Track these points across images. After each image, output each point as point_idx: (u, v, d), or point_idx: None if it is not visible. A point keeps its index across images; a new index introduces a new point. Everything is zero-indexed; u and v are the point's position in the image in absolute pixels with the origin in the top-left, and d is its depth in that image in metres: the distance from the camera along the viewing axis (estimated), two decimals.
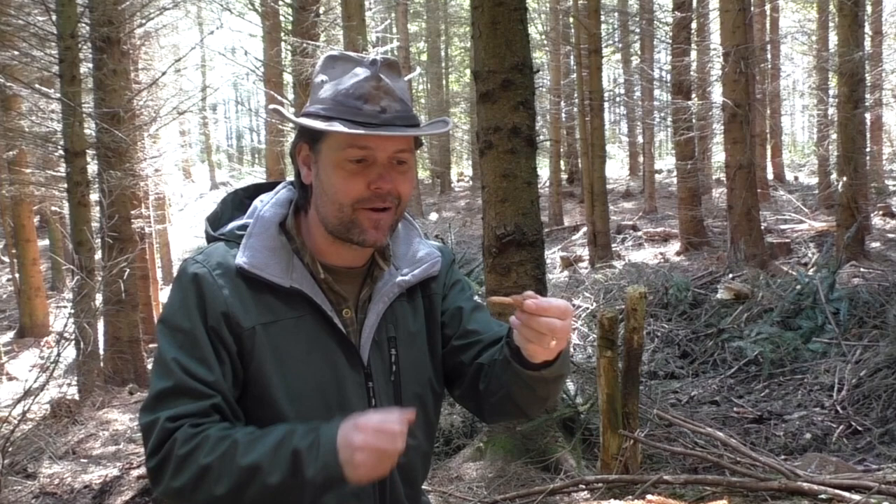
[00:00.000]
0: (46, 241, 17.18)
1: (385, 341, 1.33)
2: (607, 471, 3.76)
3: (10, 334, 13.71)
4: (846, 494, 2.94)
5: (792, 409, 5.63)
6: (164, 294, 16.30)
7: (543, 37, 21.53)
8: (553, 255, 14.53)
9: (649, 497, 2.80)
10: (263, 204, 1.34)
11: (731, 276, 8.88)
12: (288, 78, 12.96)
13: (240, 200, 1.40)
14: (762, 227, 11.68)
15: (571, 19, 17.03)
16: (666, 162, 28.34)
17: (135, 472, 5.31)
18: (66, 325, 6.84)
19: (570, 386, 4.98)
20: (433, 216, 22.69)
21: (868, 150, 12.77)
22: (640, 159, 24.95)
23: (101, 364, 8.51)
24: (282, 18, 12.82)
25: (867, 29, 13.21)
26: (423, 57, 29.54)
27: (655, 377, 6.69)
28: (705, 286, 8.59)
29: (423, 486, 1.48)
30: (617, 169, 29.65)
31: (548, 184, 20.65)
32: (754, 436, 5.20)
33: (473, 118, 21.41)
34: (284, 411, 1.23)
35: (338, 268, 1.32)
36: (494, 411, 1.38)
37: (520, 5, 4.18)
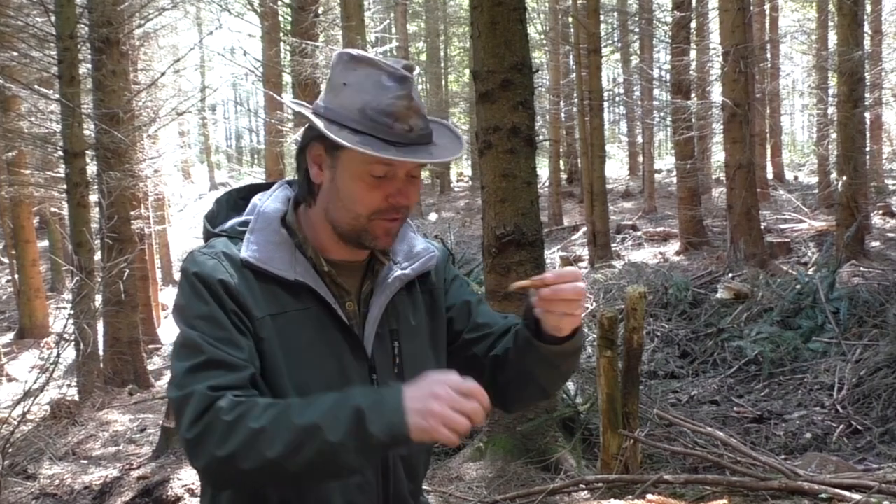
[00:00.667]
0: (46, 242, 17.18)
1: (387, 334, 1.35)
2: (607, 470, 3.76)
3: (10, 335, 13.71)
4: (846, 494, 2.93)
5: (792, 409, 5.63)
6: (163, 295, 16.30)
7: (543, 36, 21.54)
8: (553, 255, 14.53)
9: (649, 497, 2.80)
10: (263, 201, 1.36)
11: (730, 275, 8.88)
12: (287, 78, 12.95)
13: (234, 201, 1.41)
14: (762, 227, 11.68)
15: (571, 19, 17.03)
16: (665, 161, 28.34)
17: (135, 473, 5.30)
18: (65, 326, 6.82)
19: (570, 386, 4.97)
20: (433, 216, 22.69)
21: (868, 149, 12.77)
22: (640, 159, 24.95)
23: (101, 365, 8.52)
24: (281, 19, 12.82)
25: (867, 28, 13.22)
26: (422, 57, 29.54)
27: (655, 377, 6.68)
28: (705, 286, 8.59)
29: (424, 487, 1.49)
30: (616, 169, 29.65)
31: (547, 184, 20.65)
32: (754, 435, 5.20)
33: (473, 118, 21.39)
34: None
35: (339, 262, 1.33)
36: (517, 398, 1.43)
37: (519, 5, 4.18)
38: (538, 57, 23.08)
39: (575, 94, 17.34)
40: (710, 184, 20.06)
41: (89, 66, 9.11)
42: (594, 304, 8.35)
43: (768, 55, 19.93)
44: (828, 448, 4.85)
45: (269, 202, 1.35)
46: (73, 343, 7.42)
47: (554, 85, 21.80)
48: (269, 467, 1.10)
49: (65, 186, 8.39)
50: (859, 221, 10.09)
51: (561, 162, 22.73)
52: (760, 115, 17.71)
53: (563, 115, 21.96)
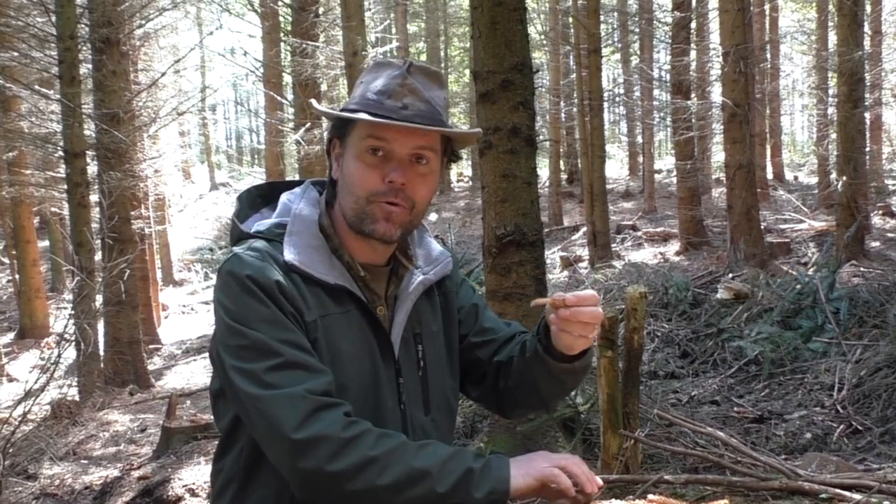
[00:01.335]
0: (46, 243, 17.18)
1: (412, 338, 1.36)
2: (608, 471, 3.76)
3: (11, 335, 13.71)
4: (847, 494, 2.93)
5: (792, 409, 5.63)
6: (164, 295, 16.31)
7: (543, 37, 21.54)
8: (553, 255, 14.53)
9: (650, 497, 2.80)
10: (296, 202, 1.35)
11: (730, 275, 8.88)
12: (287, 78, 12.96)
13: (253, 198, 1.41)
14: (762, 227, 11.68)
15: (571, 19, 17.04)
16: (665, 162, 28.34)
17: (135, 473, 5.31)
18: (66, 327, 6.84)
19: None
20: (433, 216, 22.69)
21: (868, 149, 12.77)
22: (640, 159, 24.94)
23: (102, 365, 8.52)
24: (281, 19, 12.83)
25: (866, 28, 13.22)
26: (423, 57, 29.54)
27: (656, 377, 6.68)
28: (705, 286, 8.59)
29: None
30: (616, 169, 29.64)
31: (547, 184, 20.65)
32: (755, 435, 5.20)
33: (473, 118, 21.39)
34: None
35: (368, 266, 1.34)
36: (517, 406, 1.46)
37: (519, 5, 4.18)
38: (538, 57, 23.07)
39: (575, 95, 17.34)
40: (710, 184, 20.06)
41: (90, 66, 9.12)
42: None
43: (768, 55, 19.94)
44: (828, 448, 4.85)
45: (304, 205, 1.34)
46: (73, 343, 7.43)
47: (554, 85, 21.80)
48: (374, 494, 1.13)
49: (65, 186, 8.40)
50: (859, 222, 10.09)
51: (561, 162, 22.73)
52: (760, 115, 17.71)
53: (563, 115, 21.96)
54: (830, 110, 14.88)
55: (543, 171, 22.31)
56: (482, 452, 1.22)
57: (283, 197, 1.37)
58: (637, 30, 19.45)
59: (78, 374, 8.13)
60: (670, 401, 5.82)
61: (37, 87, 9.77)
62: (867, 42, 13.59)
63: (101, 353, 8.64)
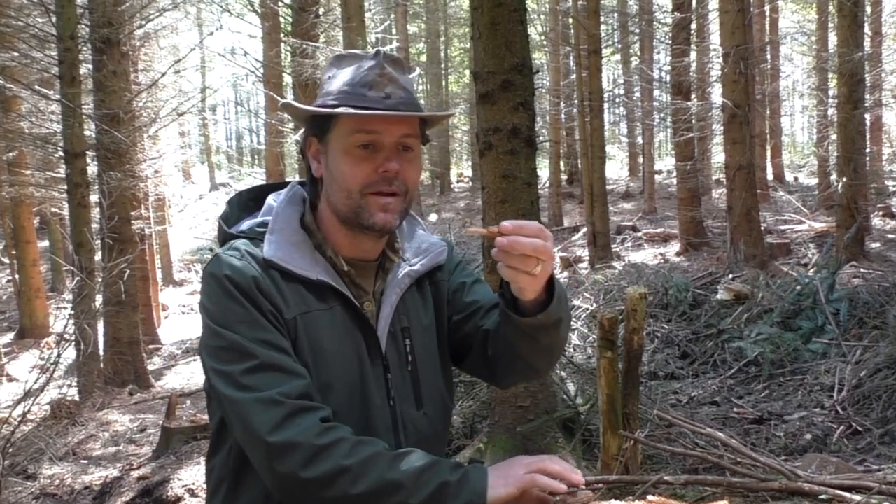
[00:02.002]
0: (46, 243, 17.19)
1: (399, 332, 1.34)
2: (608, 471, 3.76)
3: (10, 335, 13.71)
4: (847, 495, 2.93)
5: (792, 410, 5.63)
6: (164, 295, 16.32)
7: (543, 38, 21.55)
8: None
9: (650, 497, 2.79)
10: (280, 202, 1.35)
11: (730, 276, 8.88)
12: (287, 79, 12.95)
13: (244, 202, 1.42)
14: (762, 228, 11.68)
15: (571, 20, 17.04)
16: (666, 162, 28.36)
17: (135, 473, 5.30)
18: (66, 327, 6.84)
19: (571, 387, 4.98)
20: (433, 217, 22.69)
21: (868, 150, 12.77)
22: (640, 160, 24.94)
23: (101, 365, 8.52)
24: (281, 19, 12.82)
25: (867, 29, 13.22)
26: (423, 58, 29.54)
27: (655, 378, 6.68)
28: (705, 287, 8.58)
29: None
30: (617, 169, 29.66)
31: (547, 184, 20.66)
32: (754, 436, 5.20)
33: (473, 119, 21.40)
34: None
35: (353, 261, 1.33)
36: (506, 373, 1.39)
37: (519, 6, 4.18)
38: (538, 58, 23.09)
39: (575, 95, 17.35)
40: (710, 185, 20.07)
41: (90, 66, 9.12)
42: (594, 304, 8.35)
43: (768, 56, 19.95)
44: (828, 449, 4.85)
45: (286, 203, 1.35)
46: (73, 343, 7.43)
47: (554, 86, 21.81)
48: (348, 502, 1.12)
49: (65, 187, 8.40)
50: (859, 223, 10.10)
51: (561, 163, 22.74)
52: (760, 116, 17.72)
53: (563, 115, 21.97)
54: (830, 111, 14.88)
55: (543, 171, 22.31)
56: (469, 461, 1.19)
57: (269, 198, 1.38)
58: (637, 31, 19.47)
59: (78, 374, 8.13)
60: (670, 402, 5.82)
61: (37, 87, 9.77)
62: (867, 43, 13.59)
63: (101, 353, 8.63)
